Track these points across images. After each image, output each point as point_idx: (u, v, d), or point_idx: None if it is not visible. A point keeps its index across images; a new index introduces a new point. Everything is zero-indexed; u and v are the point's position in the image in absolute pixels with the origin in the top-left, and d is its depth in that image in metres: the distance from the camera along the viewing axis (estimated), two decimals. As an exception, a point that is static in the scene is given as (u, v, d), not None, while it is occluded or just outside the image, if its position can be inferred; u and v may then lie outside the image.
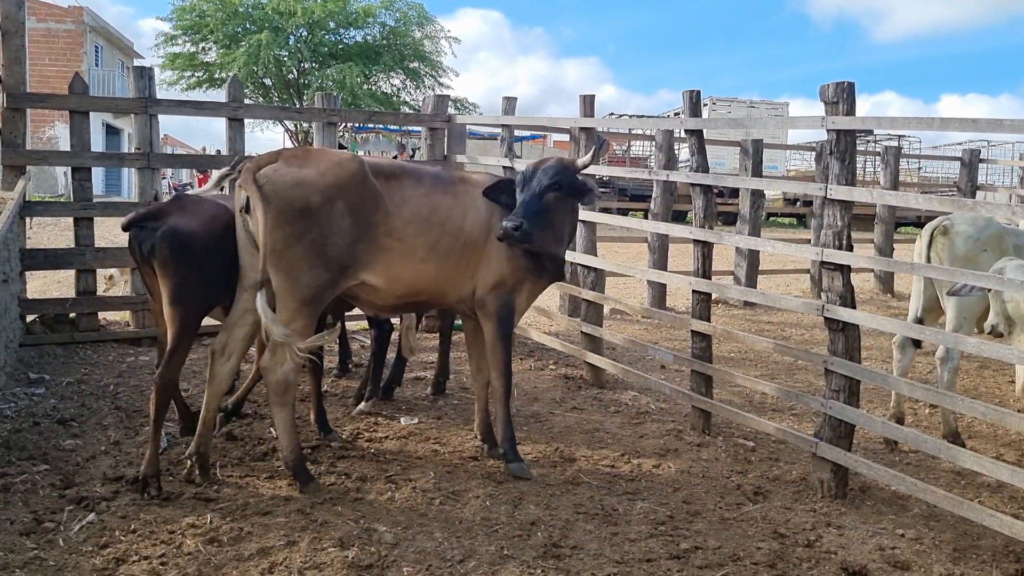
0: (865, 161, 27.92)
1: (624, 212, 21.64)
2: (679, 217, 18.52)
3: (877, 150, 15.74)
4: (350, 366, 6.68)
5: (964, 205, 3.99)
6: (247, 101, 26.63)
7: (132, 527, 3.77)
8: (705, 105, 30.63)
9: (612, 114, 34.02)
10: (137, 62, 37.10)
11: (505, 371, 4.75)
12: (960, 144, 26.02)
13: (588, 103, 6.58)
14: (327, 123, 7.69)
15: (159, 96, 7.15)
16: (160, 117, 7.08)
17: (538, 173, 4.55)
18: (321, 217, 4.05)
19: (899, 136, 28.28)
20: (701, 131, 5.59)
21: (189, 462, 4.32)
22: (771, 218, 28.67)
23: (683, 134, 5.69)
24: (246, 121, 7.43)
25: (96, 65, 32.34)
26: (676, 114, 28.61)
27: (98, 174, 28.74)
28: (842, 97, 4.51)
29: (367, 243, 4.21)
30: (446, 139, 8.16)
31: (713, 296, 9.83)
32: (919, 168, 31.90)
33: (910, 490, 4.19)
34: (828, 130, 4.57)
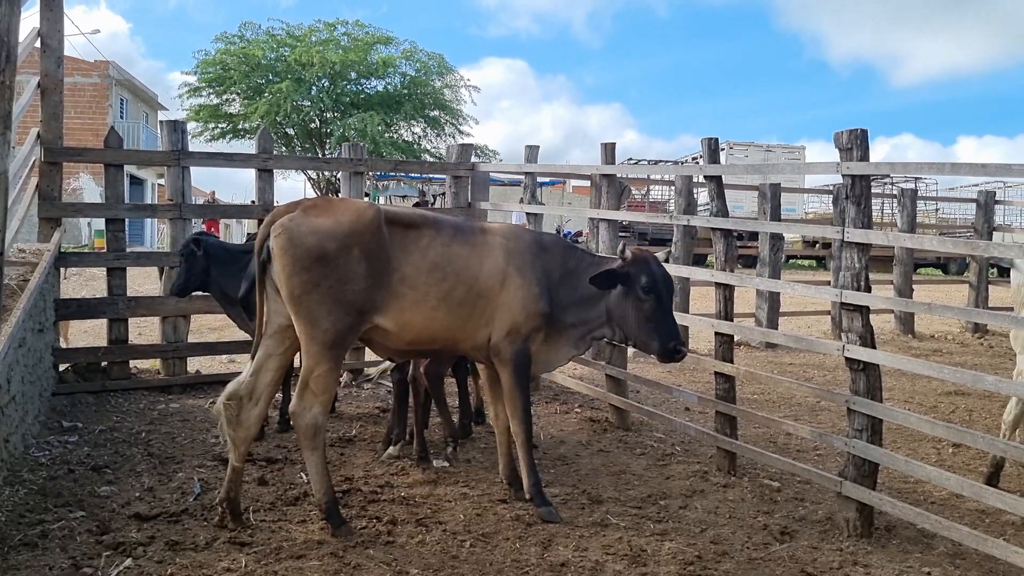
0: (883, 203, 28.01)
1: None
2: (699, 261, 18.61)
3: (894, 192, 15.83)
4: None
5: (978, 247, 4.06)
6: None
7: (169, 571, 3.83)
8: (723, 149, 30.86)
9: (631, 159, 34.37)
10: (161, 114, 37.87)
11: (524, 417, 4.81)
12: (975, 186, 26.06)
13: (609, 151, 6.71)
14: (354, 172, 7.88)
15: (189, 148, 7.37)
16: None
17: None
18: (338, 264, 4.19)
19: (916, 179, 28.39)
20: (720, 176, 5.71)
21: (220, 508, 4.40)
22: (790, 260, 28.74)
23: (702, 179, 5.80)
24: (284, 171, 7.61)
25: (121, 117, 33.03)
26: (695, 159, 28.89)
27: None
28: (856, 143, 4.63)
29: (382, 288, 4.34)
30: (470, 187, 8.33)
31: (736, 338, 9.91)
32: (937, 209, 31.96)
33: (935, 528, 4.22)
34: (843, 175, 4.67)
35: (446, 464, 5.60)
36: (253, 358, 4.49)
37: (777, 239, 10.68)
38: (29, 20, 6.69)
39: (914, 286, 12.73)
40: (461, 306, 4.56)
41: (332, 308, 4.19)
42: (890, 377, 8.61)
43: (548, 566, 4.07)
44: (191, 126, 28.80)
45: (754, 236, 15.78)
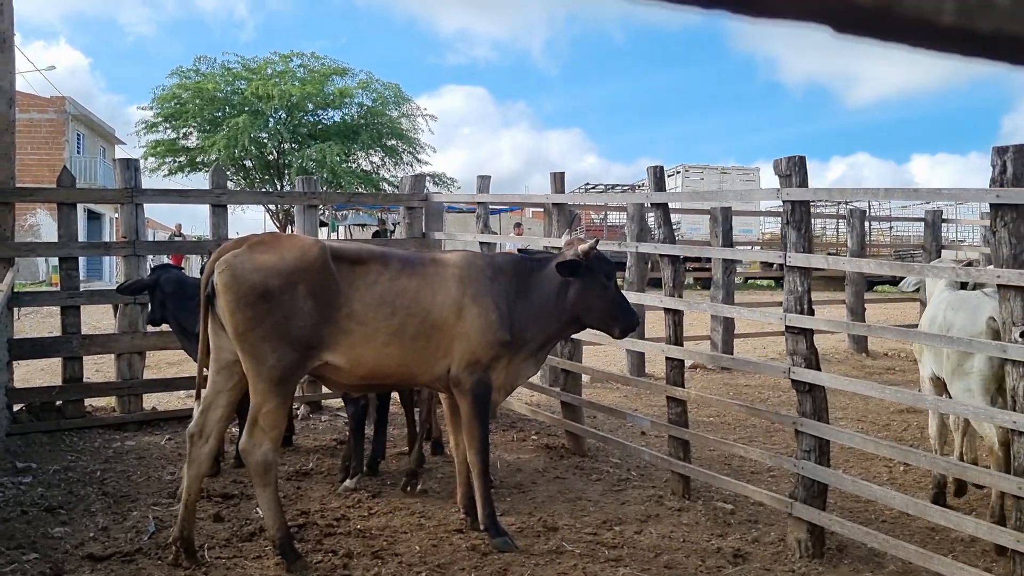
0: (838, 223, 28.54)
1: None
2: (659, 285, 18.79)
3: (843, 213, 16.19)
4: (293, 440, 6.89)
5: (912, 269, 4.22)
6: (230, 185, 26.97)
7: (122, 612, 3.83)
8: (678, 172, 31.26)
9: (588, 184, 34.67)
10: (119, 148, 37.64)
11: (481, 448, 4.83)
12: (928, 203, 26.72)
13: (559, 179, 6.84)
14: (308, 206, 7.92)
15: (144, 184, 7.38)
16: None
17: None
18: (283, 300, 4.22)
19: (870, 200, 29.03)
20: (666, 204, 5.84)
21: (175, 546, 4.39)
22: (748, 281, 29.14)
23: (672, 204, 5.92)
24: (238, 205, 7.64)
25: (78, 152, 32.81)
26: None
27: (80, 261, 28.87)
28: (794, 170, 4.78)
29: (329, 325, 4.36)
30: (424, 217, 8.40)
31: (690, 362, 10.04)
32: (891, 228, 32.60)
33: (883, 547, 4.32)
34: (784, 201, 4.82)
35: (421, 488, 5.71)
36: (197, 396, 4.51)
37: (731, 262, 10.88)
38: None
39: (868, 305, 12.98)
40: (415, 340, 4.57)
41: (277, 345, 4.21)
42: (845, 396, 8.77)
43: (503, 595, 4.11)
44: (149, 161, 28.61)
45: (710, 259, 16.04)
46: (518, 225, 26.56)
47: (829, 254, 17.25)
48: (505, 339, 4.75)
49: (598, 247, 4.97)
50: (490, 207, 26.81)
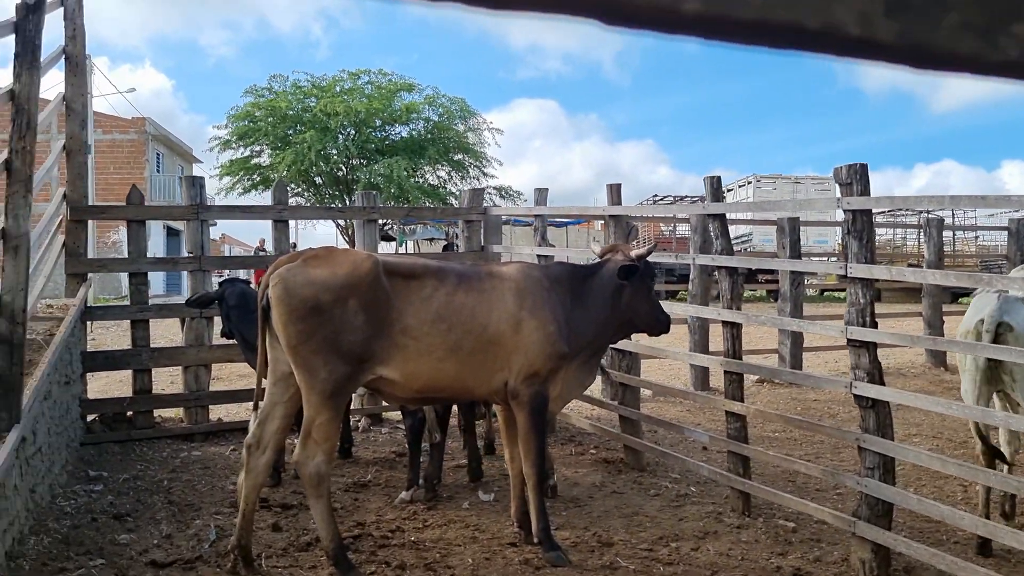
0: (919, 233, 27.70)
1: (673, 294, 21.72)
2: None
3: (920, 222, 15.70)
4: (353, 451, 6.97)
5: (981, 280, 4.07)
6: (299, 200, 27.33)
7: (180, 619, 3.92)
8: (749, 183, 30.82)
9: (655, 195, 34.39)
10: (196, 167, 38.75)
11: (537, 460, 4.81)
12: (1016, 212, 25.72)
13: (615, 191, 6.80)
14: (367, 220, 8.04)
15: (217, 201, 7.60)
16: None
17: None
18: (334, 314, 4.27)
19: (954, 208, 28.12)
20: (724, 215, 5.76)
21: (232, 555, 4.47)
22: (824, 294, 28.44)
23: (738, 215, 5.84)
24: (300, 220, 7.79)
25: (158, 171, 33.89)
26: (729, 190, 28.72)
27: (159, 276, 29.76)
28: (856, 178, 4.66)
29: (382, 340, 4.39)
30: (482, 230, 8.44)
31: (755, 376, 9.85)
32: (976, 237, 31.51)
33: (951, 569, 4.15)
34: (844, 210, 4.70)
35: (489, 497, 5.75)
36: (255, 408, 4.59)
37: (798, 273, 10.64)
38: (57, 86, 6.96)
39: (947, 317, 12.52)
40: (472, 355, 4.57)
41: (328, 358, 4.26)
42: (920, 413, 8.49)
43: (555, 610, 4.07)
44: (225, 181, 29.39)
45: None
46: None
47: (909, 265, 16.79)
48: (563, 351, 4.74)
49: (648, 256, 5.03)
50: (557, 220, 26.93)
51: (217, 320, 6.68)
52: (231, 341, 6.61)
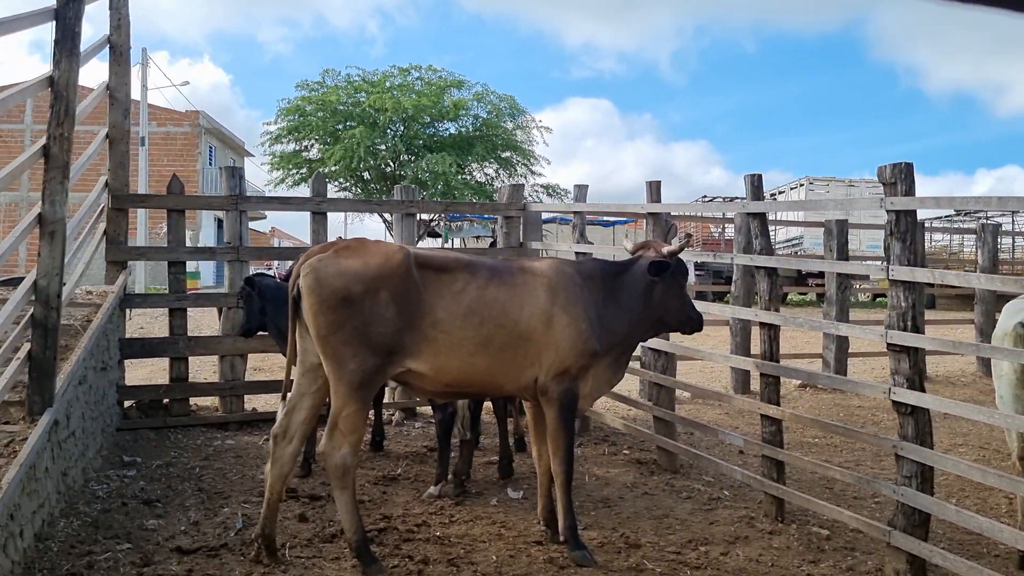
0: (977, 239, 26.98)
1: (721, 295, 21.44)
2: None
3: (973, 227, 15.27)
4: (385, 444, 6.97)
5: (1026, 283, 3.90)
6: (346, 195, 27.52)
7: (201, 605, 3.93)
8: (801, 185, 30.30)
9: (704, 196, 34.02)
10: (248, 161, 39.32)
11: (566, 458, 4.74)
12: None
13: (655, 188, 6.68)
14: (406, 214, 8.02)
15: (265, 193, 7.66)
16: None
17: None
18: (364, 306, 4.24)
19: (1013, 212, 27.33)
20: (764, 214, 5.63)
21: (256, 543, 4.47)
22: (877, 299, 27.87)
23: (776, 215, 5.71)
24: (350, 214, 7.82)
25: (210, 164, 34.45)
26: (773, 196, 28.31)
27: (209, 267, 30.25)
28: (900, 178, 4.51)
29: (412, 332, 4.36)
30: (521, 227, 8.38)
31: (798, 381, 9.65)
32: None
33: (989, 583, 4.00)
34: (888, 210, 4.55)
35: (518, 495, 5.72)
36: (284, 398, 4.58)
37: (845, 277, 10.41)
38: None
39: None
40: (503, 350, 4.52)
41: (358, 349, 4.24)
42: (968, 423, 8.25)
43: (576, 611, 4.00)
44: (276, 174, 29.75)
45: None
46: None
47: (965, 271, 16.33)
48: (595, 348, 4.66)
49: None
50: (605, 219, 26.70)
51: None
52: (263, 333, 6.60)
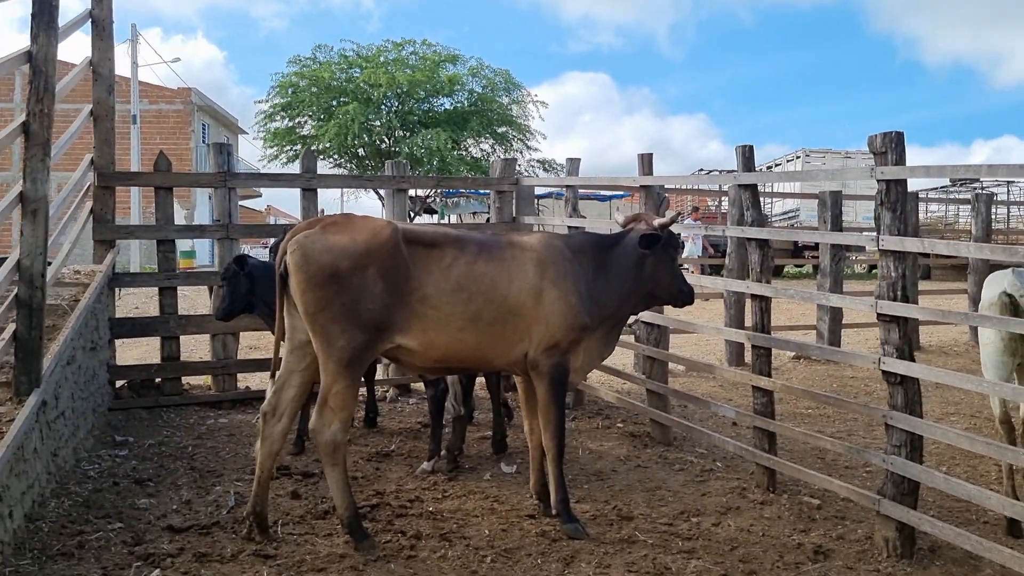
0: (971, 208, 26.90)
1: (717, 268, 21.40)
2: (776, 272, 18.13)
3: (967, 197, 15.23)
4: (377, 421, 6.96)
5: (1016, 253, 3.87)
6: (339, 171, 27.37)
7: (192, 583, 3.93)
8: (798, 157, 30.17)
9: (701, 169, 33.91)
10: (243, 138, 39.12)
11: (557, 432, 4.74)
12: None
13: (647, 161, 6.63)
14: (397, 190, 7.97)
15: (260, 170, 7.59)
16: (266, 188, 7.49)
17: None
18: (352, 282, 4.21)
19: (1008, 182, 27.23)
20: (755, 186, 5.59)
21: (248, 521, 4.48)
22: (873, 271, 27.84)
23: (769, 187, 5.66)
24: (345, 191, 7.77)
25: (203, 142, 34.22)
26: (769, 168, 28.23)
27: (204, 246, 30.13)
28: (890, 147, 4.47)
29: (401, 308, 4.33)
30: (514, 201, 8.33)
31: (793, 353, 9.64)
32: (1033, 213, 30.56)
33: (977, 549, 4.00)
34: (878, 180, 4.52)
35: (511, 469, 5.74)
36: (273, 376, 4.56)
37: (839, 249, 10.39)
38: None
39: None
40: (492, 325, 4.50)
41: (346, 326, 4.22)
42: (959, 392, 8.26)
43: (567, 583, 4.01)
44: (270, 150, 29.58)
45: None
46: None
47: (959, 240, 16.30)
48: (585, 322, 4.64)
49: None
50: (601, 194, 26.59)
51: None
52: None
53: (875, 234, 4.57)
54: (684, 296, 5.05)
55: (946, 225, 28.28)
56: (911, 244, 4.50)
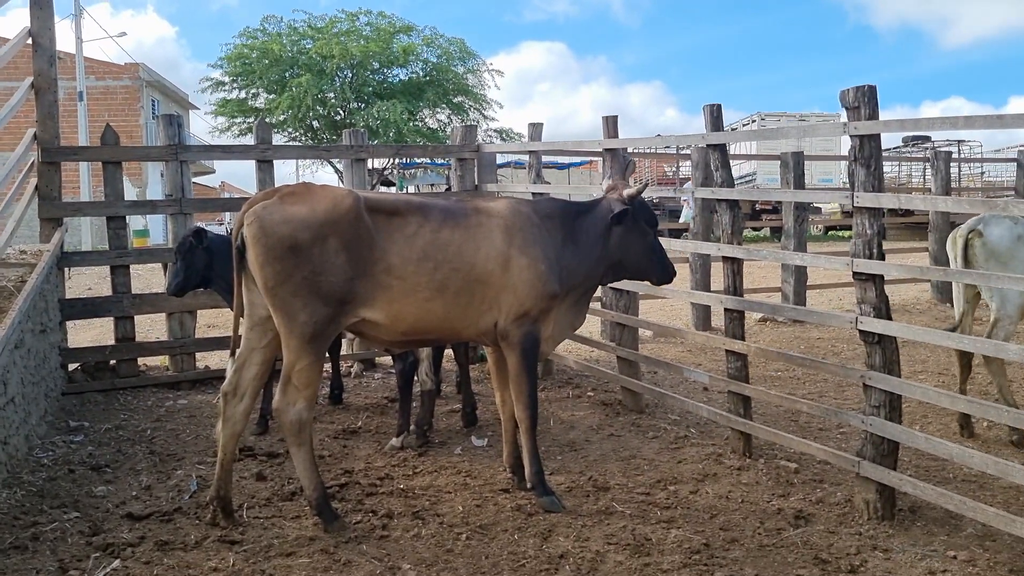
0: (924, 169, 27.21)
1: (676, 233, 21.38)
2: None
3: (927, 156, 15.35)
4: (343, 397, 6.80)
5: (995, 206, 3.80)
6: (287, 143, 26.85)
7: (155, 573, 3.75)
8: (753, 121, 30.24)
9: (658, 136, 33.88)
10: (194, 114, 38.23)
11: (530, 403, 4.61)
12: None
13: (612, 124, 6.48)
14: (355, 160, 7.74)
15: (211, 143, 7.31)
16: (220, 164, 7.22)
17: None
18: (312, 254, 4.03)
19: (959, 141, 27.55)
20: (724, 145, 5.47)
21: (212, 506, 4.30)
22: (829, 232, 28.05)
23: (738, 149, 5.55)
24: (301, 165, 7.54)
25: (153, 118, 33.37)
26: (733, 129, 28.24)
27: (159, 224, 29.47)
28: (863, 101, 4.36)
29: (365, 280, 4.16)
30: (476, 169, 8.15)
31: (758, 315, 9.63)
32: (982, 173, 30.97)
33: (959, 509, 3.96)
34: (851, 136, 4.42)
35: (482, 442, 5.66)
36: (233, 354, 4.37)
37: (802, 210, 10.35)
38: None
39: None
40: (459, 295, 4.35)
41: (308, 300, 4.03)
42: (926, 349, 8.30)
43: (546, 558, 3.91)
44: (219, 121, 28.97)
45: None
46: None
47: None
48: (554, 290, 4.51)
49: (643, 193, 4.74)
50: (558, 162, 26.43)
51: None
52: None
53: (849, 191, 4.48)
54: (659, 274, 4.90)
55: (900, 185, 28.58)
56: (886, 200, 4.41)
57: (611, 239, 4.71)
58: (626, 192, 4.76)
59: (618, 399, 6.66)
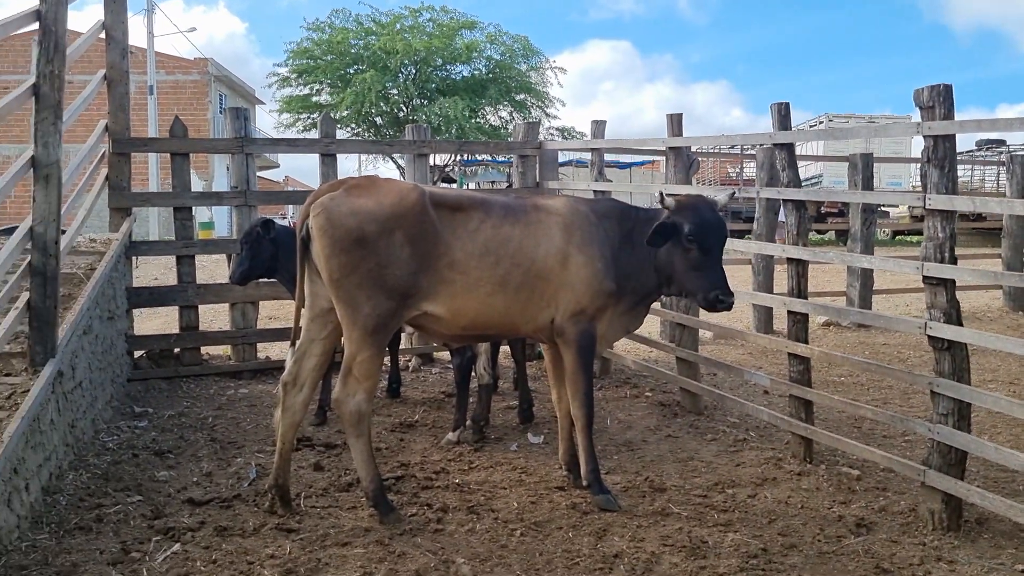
0: (997, 172, 26.39)
1: (740, 235, 21.01)
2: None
3: (1001, 160, 14.87)
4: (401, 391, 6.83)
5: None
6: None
7: (213, 558, 3.81)
8: (821, 123, 29.62)
9: (724, 136, 33.39)
10: (260, 108, 38.91)
11: (586, 401, 4.58)
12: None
13: (676, 122, 6.39)
14: (418, 155, 7.78)
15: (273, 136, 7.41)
16: (283, 160, 7.30)
17: None
18: (378, 247, 4.05)
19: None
20: (791, 145, 5.36)
21: (270, 494, 4.36)
22: (897, 237, 27.37)
23: (802, 150, 5.42)
24: (363, 161, 7.60)
25: (220, 112, 34.05)
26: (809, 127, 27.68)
27: (224, 218, 30.06)
28: (938, 101, 4.23)
29: (428, 274, 4.17)
30: (537, 166, 8.12)
31: (822, 318, 9.43)
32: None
33: (1030, 522, 3.82)
34: (925, 136, 4.28)
35: (539, 439, 5.63)
36: (293, 344, 4.42)
37: (870, 212, 10.10)
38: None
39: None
40: (519, 290, 4.35)
41: (372, 292, 4.06)
42: (996, 358, 8.05)
43: (600, 557, 3.88)
44: (284, 117, 29.41)
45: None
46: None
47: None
48: (611, 288, 4.47)
49: (707, 207, 4.54)
50: (620, 161, 26.20)
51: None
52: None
53: (920, 193, 4.34)
54: (709, 300, 4.45)
55: (972, 190, 27.76)
56: (960, 203, 4.27)
57: (659, 254, 4.55)
58: (671, 199, 4.53)
59: (676, 400, 6.58)
